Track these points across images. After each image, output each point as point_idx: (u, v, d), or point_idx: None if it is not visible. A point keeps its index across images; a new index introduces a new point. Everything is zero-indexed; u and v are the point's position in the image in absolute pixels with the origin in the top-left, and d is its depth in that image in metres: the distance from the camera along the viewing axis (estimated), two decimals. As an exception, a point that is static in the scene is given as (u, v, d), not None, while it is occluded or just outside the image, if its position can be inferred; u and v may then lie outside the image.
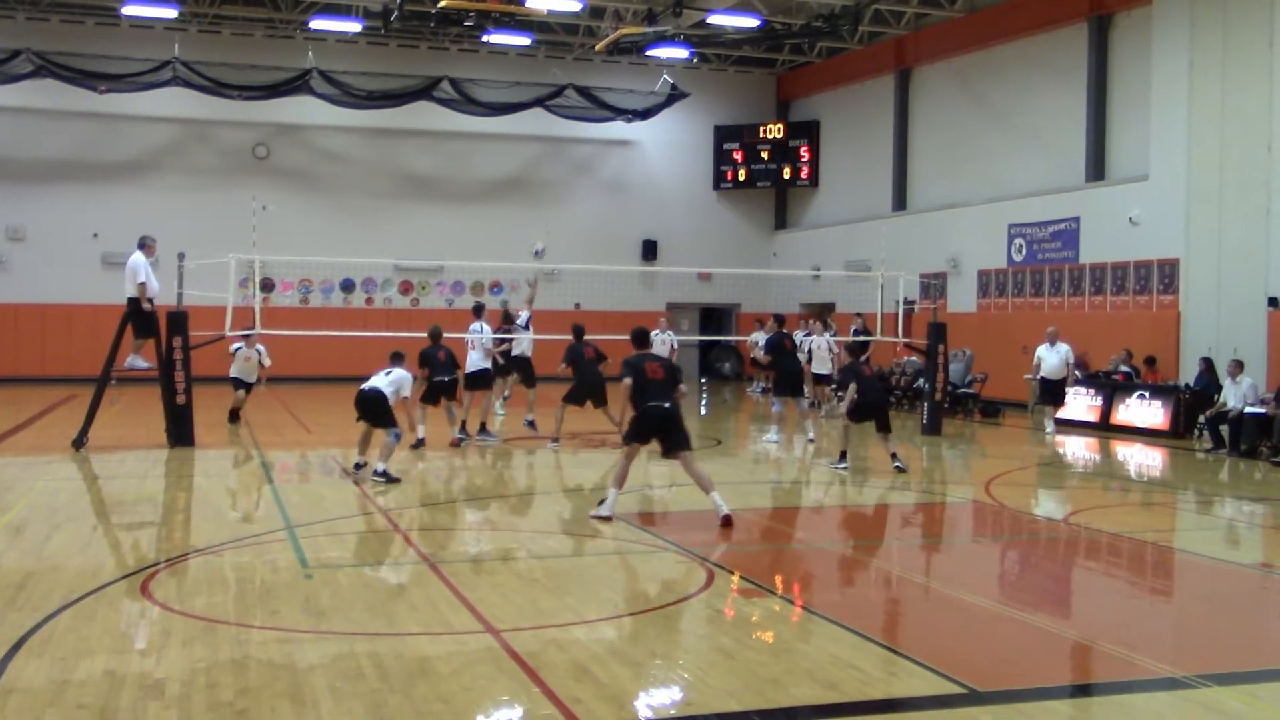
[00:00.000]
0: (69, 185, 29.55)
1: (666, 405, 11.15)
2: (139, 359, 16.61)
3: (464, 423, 17.27)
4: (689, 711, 5.92)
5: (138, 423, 18.87)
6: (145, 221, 22.37)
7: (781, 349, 18.37)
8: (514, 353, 18.42)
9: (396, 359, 14.27)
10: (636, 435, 11.25)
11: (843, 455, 15.31)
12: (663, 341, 22.01)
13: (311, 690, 6.03)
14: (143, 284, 16.07)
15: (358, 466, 14.02)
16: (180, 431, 16.47)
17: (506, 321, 18.59)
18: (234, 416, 19.60)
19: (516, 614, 7.66)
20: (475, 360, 17.39)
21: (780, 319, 19.73)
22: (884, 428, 15.06)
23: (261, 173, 30.78)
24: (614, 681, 6.22)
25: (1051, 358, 20.34)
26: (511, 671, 6.39)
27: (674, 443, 11.16)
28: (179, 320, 16.54)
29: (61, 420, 19.38)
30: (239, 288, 18.37)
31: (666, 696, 6.17)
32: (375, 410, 13.77)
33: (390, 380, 13.85)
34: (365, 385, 13.92)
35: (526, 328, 18.55)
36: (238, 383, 19.67)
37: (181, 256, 17.11)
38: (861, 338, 19.02)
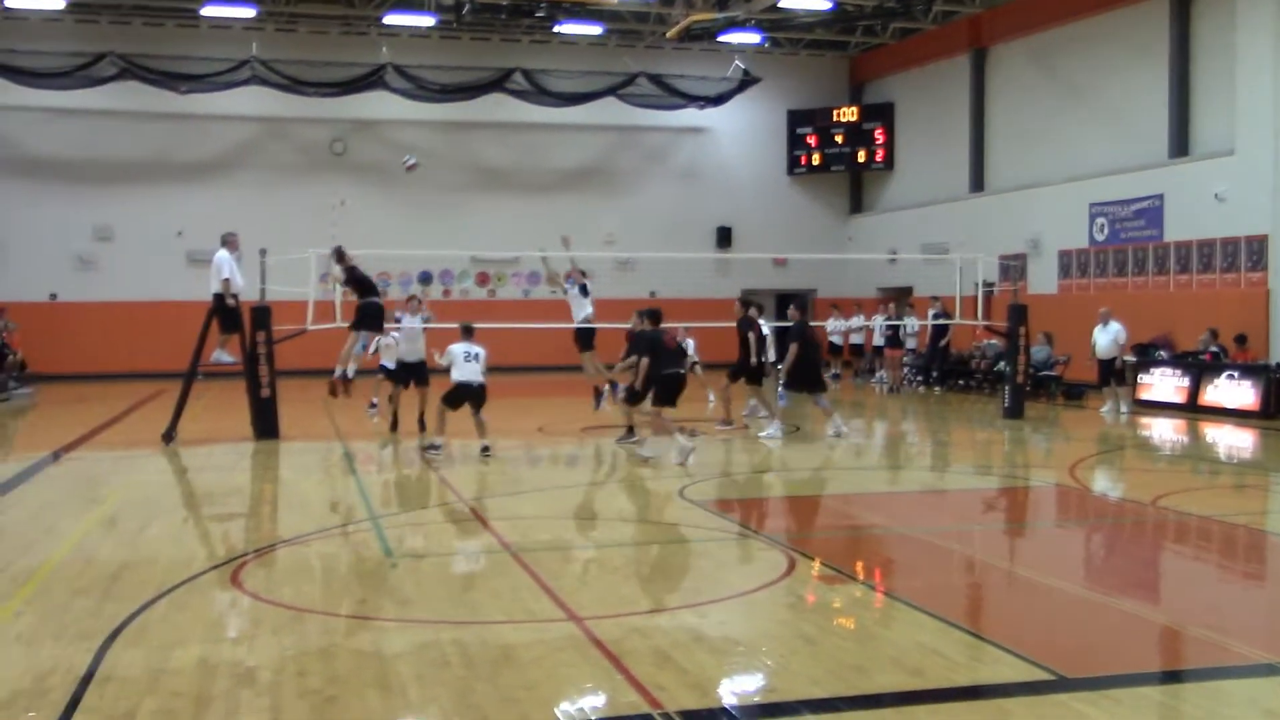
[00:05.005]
0: (153, 185, 30.18)
1: (681, 371, 14.53)
2: (225, 354, 16.87)
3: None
4: (773, 699, 5.90)
5: (224, 416, 19.16)
6: (227, 219, 22.69)
7: (806, 339, 17.24)
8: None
9: (467, 333, 15.06)
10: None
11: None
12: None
13: (398, 678, 6.11)
14: (227, 280, 16.36)
15: (434, 448, 14.72)
16: (265, 424, 16.76)
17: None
18: (395, 424, 17.33)
19: (598, 602, 7.70)
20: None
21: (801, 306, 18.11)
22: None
23: (339, 168, 31.19)
24: (697, 669, 6.22)
25: (1103, 338, 20.31)
26: (594, 659, 6.41)
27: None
28: (262, 315, 16.80)
29: (151, 415, 19.73)
30: (319, 283, 18.60)
31: (750, 684, 6.15)
32: (481, 398, 14.70)
33: (481, 366, 14.70)
34: (465, 379, 14.53)
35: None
36: (401, 369, 17.19)
37: (263, 252, 17.37)
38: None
